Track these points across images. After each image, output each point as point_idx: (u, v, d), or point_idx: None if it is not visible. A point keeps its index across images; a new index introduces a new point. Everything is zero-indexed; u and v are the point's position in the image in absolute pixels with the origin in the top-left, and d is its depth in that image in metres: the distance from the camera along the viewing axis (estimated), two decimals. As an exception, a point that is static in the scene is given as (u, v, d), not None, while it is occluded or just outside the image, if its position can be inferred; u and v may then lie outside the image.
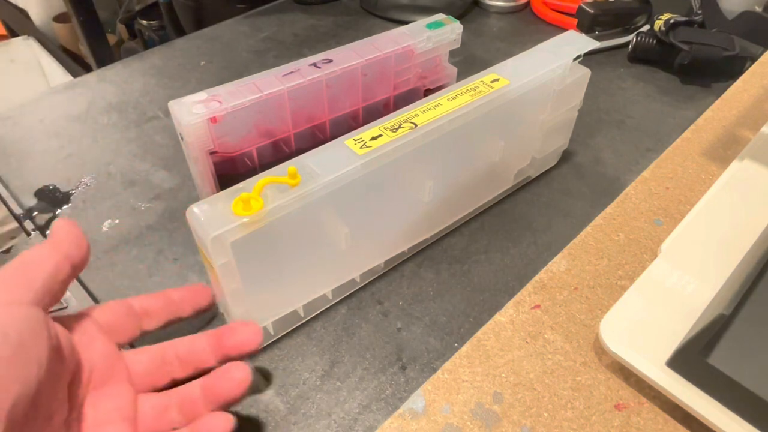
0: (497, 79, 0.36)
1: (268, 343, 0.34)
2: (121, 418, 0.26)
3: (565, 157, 0.47)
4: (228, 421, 0.26)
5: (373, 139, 0.31)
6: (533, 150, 0.43)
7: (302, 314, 0.35)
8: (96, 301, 0.36)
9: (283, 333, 0.34)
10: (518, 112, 0.38)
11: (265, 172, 0.29)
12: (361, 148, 0.31)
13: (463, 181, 0.38)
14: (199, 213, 0.27)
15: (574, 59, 0.39)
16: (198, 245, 0.29)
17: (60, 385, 0.25)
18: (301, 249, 0.31)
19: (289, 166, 0.29)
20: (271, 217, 0.28)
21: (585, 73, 0.41)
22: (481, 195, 0.42)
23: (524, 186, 0.45)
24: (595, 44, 0.40)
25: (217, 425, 0.26)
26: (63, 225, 0.28)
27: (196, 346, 0.29)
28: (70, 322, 0.27)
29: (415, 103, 0.34)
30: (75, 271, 0.27)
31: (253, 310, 0.31)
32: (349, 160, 0.30)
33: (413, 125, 0.32)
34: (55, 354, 0.24)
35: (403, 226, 0.37)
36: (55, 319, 0.26)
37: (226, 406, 0.27)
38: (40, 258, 0.26)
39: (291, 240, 0.30)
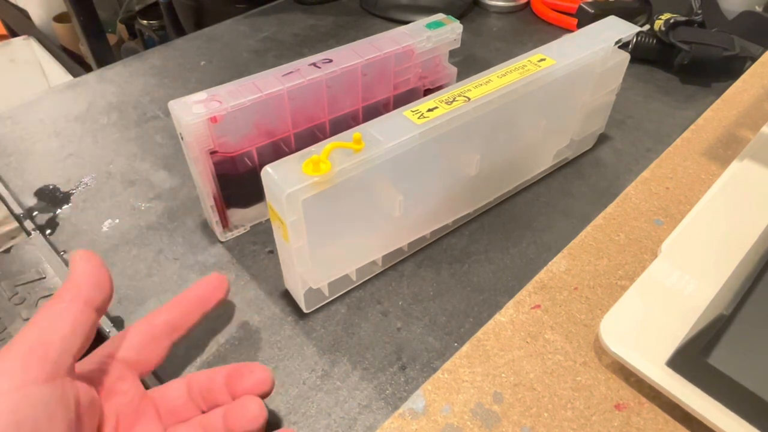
0: (543, 59, 0.37)
1: (322, 304, 0.36)
2: None
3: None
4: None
5: (430, 110, 0.33)
6: (572, 131, 0.44)
7: (354, 278, 0.37)
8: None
9: (337, 295, 0.37)
10: (562, 92, 0.40)
11: (333, 137, 0.31)
12: (419, 118, 0.32)
13: (507, 158, 0.40)
14: (272, 173, 0.29)
15: (615, 44, 0.40)
16: (269, 204, 0.30)
17: None
18: (360, 213, 0.33)
19: (354, 132, 0.30)
20: (338, 179, 0.30)
21: (624, 57, 0.42)
22: (522, 173, 0.44)
23: (524, 186, 0.45)
24: (635, 29, 0.41)
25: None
26: (80, 264, 0.26)
27: (215, 385, 0.29)
28: (95, 370, 0.27)
29: (467, 79, 0.36)
30: (100, 314, 0.26)
31: (314, 269, 0.33)
32: (408, 129, 0.32)
33: (467, 99, 0.34)
34: (75, 424, 0.23)
35: (449, 198, 0.38)
36: (80, 375, 0.26)
37: None
38: (58, 317, 0.24)
39: (352, 203, 0.32)
